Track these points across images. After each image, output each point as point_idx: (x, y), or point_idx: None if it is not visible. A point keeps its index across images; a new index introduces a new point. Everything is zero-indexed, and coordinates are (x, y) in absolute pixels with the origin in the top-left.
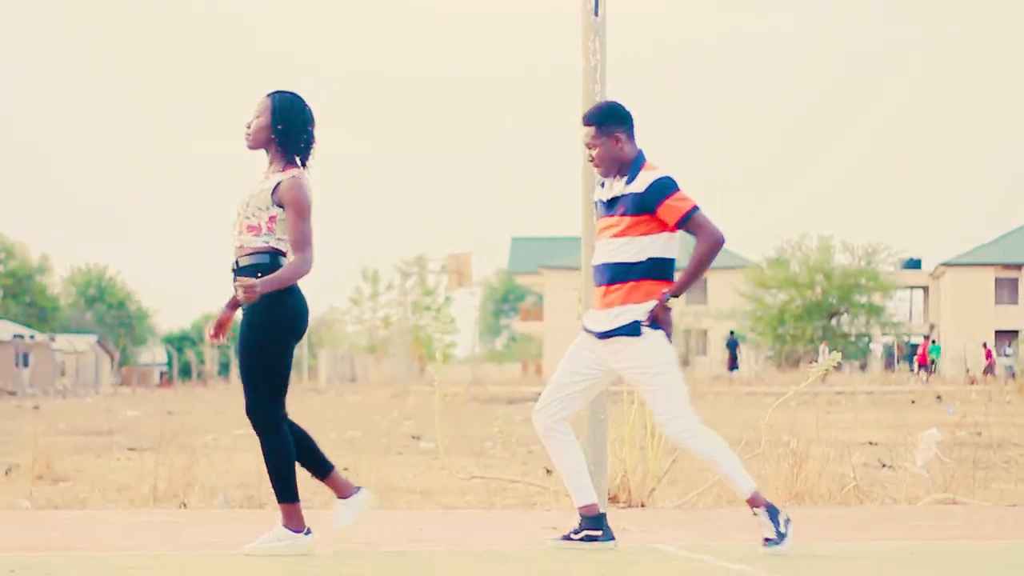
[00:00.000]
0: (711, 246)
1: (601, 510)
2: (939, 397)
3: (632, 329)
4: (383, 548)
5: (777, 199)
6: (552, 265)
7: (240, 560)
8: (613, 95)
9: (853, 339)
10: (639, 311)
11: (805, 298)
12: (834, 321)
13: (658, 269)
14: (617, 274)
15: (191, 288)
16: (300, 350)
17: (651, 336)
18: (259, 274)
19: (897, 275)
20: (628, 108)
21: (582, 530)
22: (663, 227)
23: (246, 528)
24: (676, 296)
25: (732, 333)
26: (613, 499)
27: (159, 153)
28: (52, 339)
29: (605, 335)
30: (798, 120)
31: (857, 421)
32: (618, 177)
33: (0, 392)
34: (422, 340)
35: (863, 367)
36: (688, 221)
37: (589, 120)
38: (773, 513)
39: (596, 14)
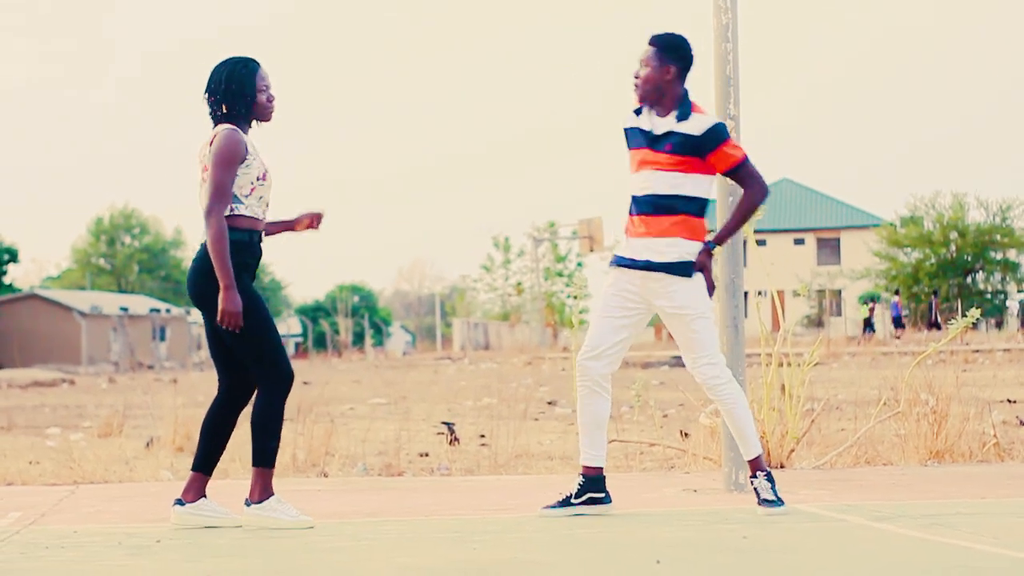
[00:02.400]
0: (757, 197)
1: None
2: None
3: (684, 268)
4: (525, 512)
5: (909, 156)
6: None
7: (406, 525)
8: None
9: (989, 296)
10: (689, 248)
11: (939, 256)
12: (969, 279)
13: (703, 210)
14: (664, 206)
15: (325, 260)
16: (433, 319)
17: (698, 278)
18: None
19: None
20: (694, 53)
21: (584, 492)
22: (708, 170)
23: (387, 495)
24: (720, 245)
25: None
26: None
27: (287, 128)
28: (188, 312)
29: (654, 267)
30: (937, 75)
31: (995, 379)
32: (659, 110)
33: (138, 366)
34: (555, 306)
35: (999, 324)
36: (739, 170)
37: (654, 41)
38: (771, 480)
39: None
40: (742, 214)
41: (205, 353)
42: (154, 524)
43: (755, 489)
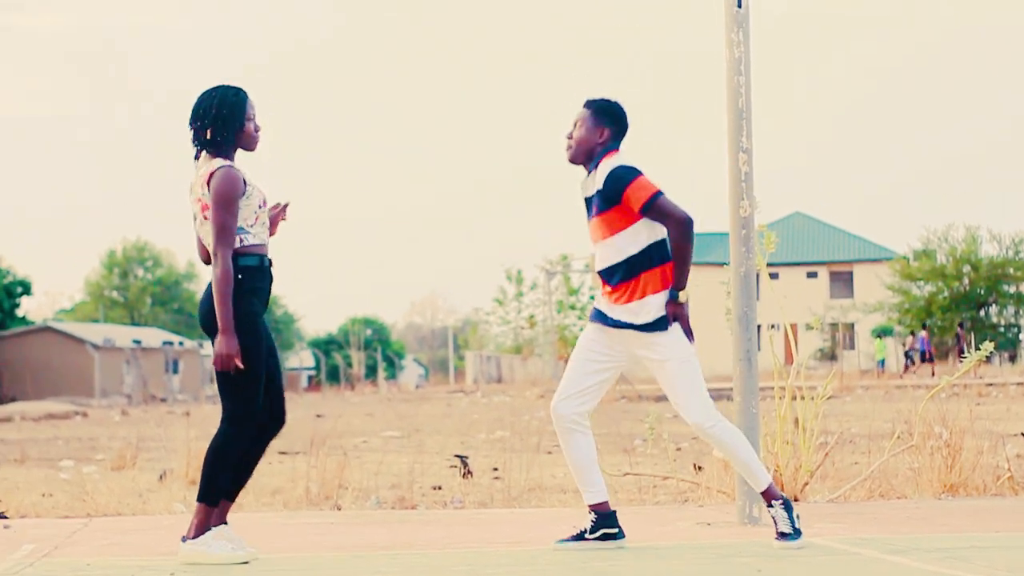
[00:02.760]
0: (681, 229)
1: (612, 507)
2: None
3: (660, 324)
4: (539, 546)
5: (921, 189)
6: (696, 261)
7: (420, 558)
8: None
9: (1002, 330)
10: (659, 302)
11: (952, 289)
12: (982, 312)
13: (659, 252)
14: (621, 274)
15: (338, 293)
16: (446, 352)
17: (675, 326)
18: None
19: None
20: (629, 120)
21: (598, 528)
22: (635, 216)
23: (401, 528)
24: (682, 289)
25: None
26: None
27: (300, 162)
28: (201, 345)
29: (631, 327)
30: (949, 108)
31: (1009, 412)
32: (588, 175)
33: (151, 398)
34: (568, 339)
35: (1012, 358)
36: (651, 207)
37: (589, 104)
38: (789, 508)
39: (740, 6)
40: (679, 252)
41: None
42: (167, 557)
43: (773, 519)
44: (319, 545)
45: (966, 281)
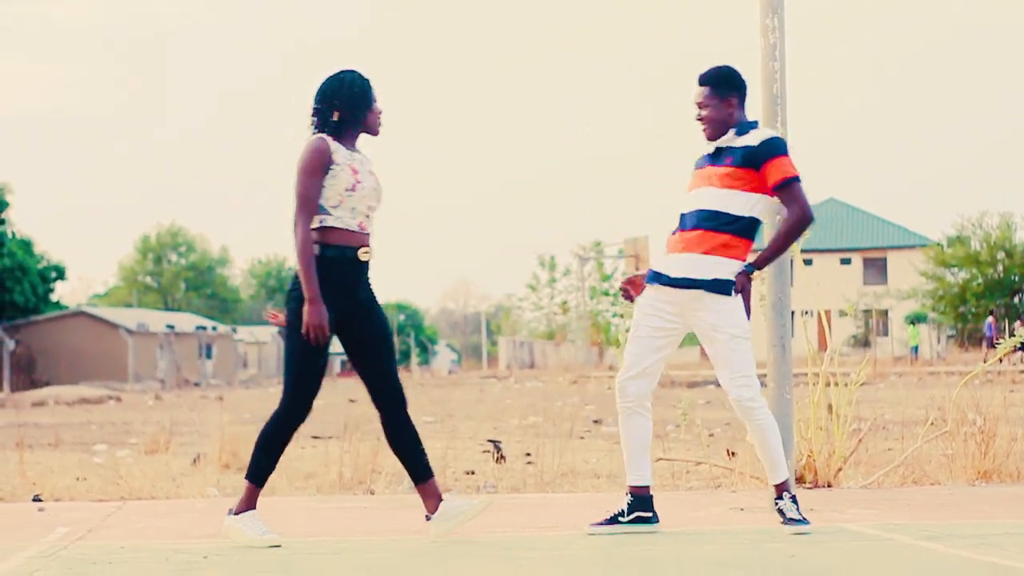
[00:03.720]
0: (801, 220)
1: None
2: None
3: (724, 286)
4: (572, 530)
5: (956, 175)
6: None
7: (443, 542)
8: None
9: None
10: (730, 267)
11: (986, 276)
12: (1016, 299)
13: (752, 230)
14: (711, 223)
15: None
16: (479, 337)
17: (737, 298)
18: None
19: None
20: (745, 78)
21: (632, 511)
22: (763, 187)
23: None
24: (759, 268)
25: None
26: (800, 479)
27: None
28: (234, 330)
29: (693, 284)
30: (985, 93)
31: None
32: (726, 135)
33: (185, 383)
34: (600, 325)
35: None
36: (787, 187)
37: (704, 80)
38: (796, 502)
39: None
40: (784, 237)
41: (252, 370)
42: (201, 540)
43: (779, 510)
44: (352, 529)
45: (1000, 268)
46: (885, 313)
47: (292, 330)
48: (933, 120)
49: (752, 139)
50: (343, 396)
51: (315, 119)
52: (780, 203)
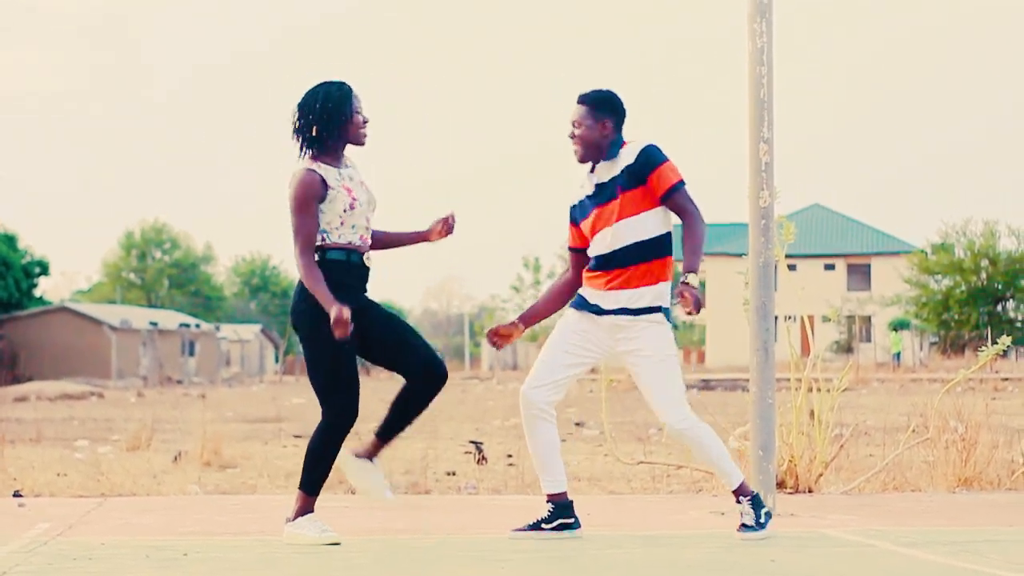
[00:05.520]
0: (701, 221)
1: (570, 497)
2: None
3: (659, 313)
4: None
5: (940, 183)
6: (714, 252)
7: (423, 542)
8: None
9: (1019, 325)
10: (659, 291)
11: (970, 284)
12: (999, 307)
13: (667, 245)
14: (632, 257)
15: None
16: (462, 338)
17: (666, 322)
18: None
19: None
20: (626, 104)
21: (555, 518)
22: (655, 201)
23: (414, 514)
24: (694, 272)
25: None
26: (780, 484)
27: None
28: (217, 328)
29: (627, 312)
30: (970, 101)
31: None
32: (599, 164)
33: (167, 381)
34: None
35: None
36: (674, 194)
37: (582, 99)
38: (757, 504)
39: None
40: (697, 238)
41: (235, 368)
42: (181, 537)
43: (740, 513)
44: (332, 528)
45: (984, 276)
46: (868, 319)
47: (309, 340)
48: (919, 127)
49: (627, 156)
50: None
51: (296, 135)
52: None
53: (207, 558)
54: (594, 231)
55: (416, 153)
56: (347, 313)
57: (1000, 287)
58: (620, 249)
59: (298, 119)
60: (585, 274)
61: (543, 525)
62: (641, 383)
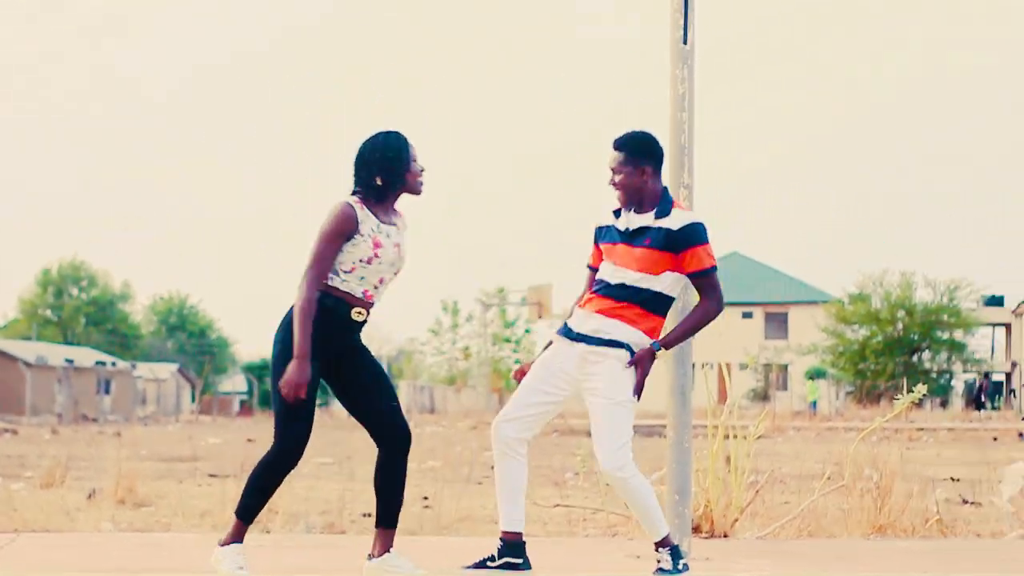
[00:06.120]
0: (716, 308)
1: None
2: (1021, 434)
3: (624, 350)
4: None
5: (859, 233)
6: None
7: None
8: (697, 126)
9: (934, 375)
10: (636, 337)
11: (886, 334)
12: (915, 357)
13: (665, 307)
14: (631, 296)
15: (272, 317)
16: None
17: (630, 369)
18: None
19: (979, 312)
20: (662, 145)
21: (502, 556)
22: (679, 269)
23: (330, 553)
24: (667, 348)
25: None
26: (696, 529)
27: (239, 183)
28: (134, 367)
29: (596, 341)
30: (887, 153)
31: (939, 457)
32: (638, 210)
33: (83, 418)
34: (501, 372)
35: (944, 404)
36: (705, 276)
37: (619, 146)
38: (676, 555)
39: (685, 42)
40: (695, 323)
41: (151, 407)
42: (96, 574)
43: (658, 560)
44: (249, 567)
45: (900, 326)
46: (785, 368)
47: (279, 373)
48: (838, 178)
49: (673, 222)
50: (241, 435)
51: (360, 186)
52: (692, 286)
53: None
54: (607, 260)
55: (340, 191)
56: (304, 378)
57: (916, 337)
58: (624, 285)
59: (360, 166)
60: (581, 296)
61: (488, 563)
62: (592, 423)
